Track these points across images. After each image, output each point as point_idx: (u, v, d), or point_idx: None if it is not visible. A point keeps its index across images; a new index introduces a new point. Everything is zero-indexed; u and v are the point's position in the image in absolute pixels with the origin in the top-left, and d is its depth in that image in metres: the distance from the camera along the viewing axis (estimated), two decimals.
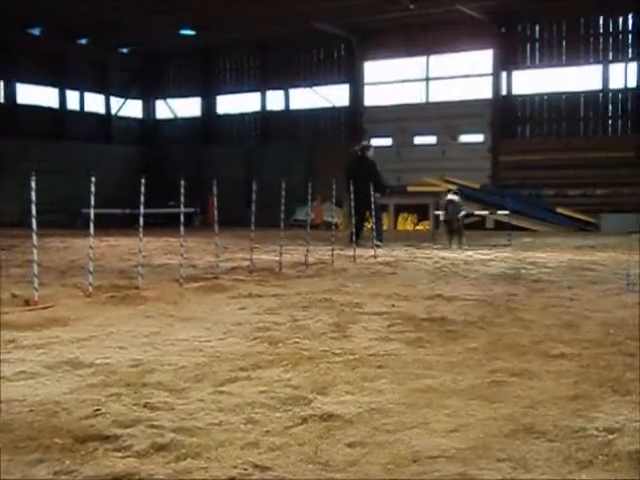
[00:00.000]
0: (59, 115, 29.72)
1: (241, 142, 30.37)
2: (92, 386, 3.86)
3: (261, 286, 8.30)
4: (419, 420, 3.28)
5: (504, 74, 25.46)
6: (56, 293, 7.42)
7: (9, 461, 2.78)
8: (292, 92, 29.63)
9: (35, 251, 6.86)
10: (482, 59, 25.73)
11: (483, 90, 25.77)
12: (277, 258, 10.34)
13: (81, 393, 3.71)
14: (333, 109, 28.72)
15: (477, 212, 21.42)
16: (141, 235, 8.12)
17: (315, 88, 28.90)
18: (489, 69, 25.68)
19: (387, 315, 6.16)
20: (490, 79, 25.66)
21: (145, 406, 3.48)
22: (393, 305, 6.77)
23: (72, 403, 3.51)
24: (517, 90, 25.56)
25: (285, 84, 29.54)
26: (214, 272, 9.23)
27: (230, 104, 31.26)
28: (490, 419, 3.28)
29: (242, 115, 30.83)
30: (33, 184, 6.85)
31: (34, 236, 6.85)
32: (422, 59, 26.71)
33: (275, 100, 30.03)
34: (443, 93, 26.49)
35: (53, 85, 29.37)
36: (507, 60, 25.29)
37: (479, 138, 25.97)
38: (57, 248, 14.26)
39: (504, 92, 25.53)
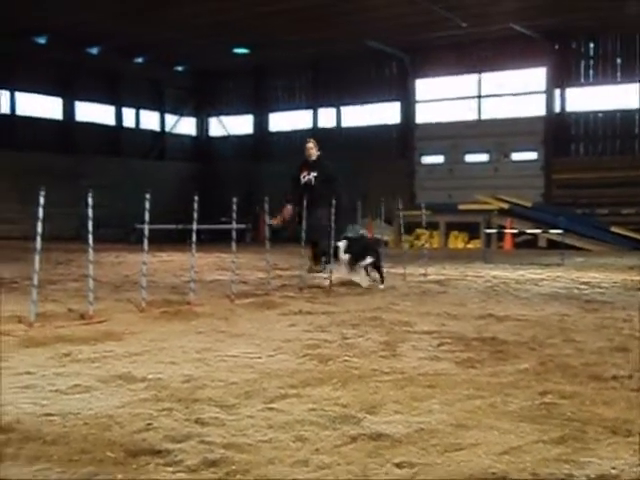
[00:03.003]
0: (115, 132, 30.29)
1: (293, 159, 30.46)
2: (144, 400, 3.92)
3: (311, 303, 8.33)
4: (468, 441, 3.26)
5: (557, 91, 25.20)
6: (110, 307, 7.56)
7: (62, 473, 2.83)
8: (344, 109, 29.75)
9: (91, 266, 6.99)
10: (535, 76, 25.53)
11: (536, 107, 25.54)
12: (327, 275, 10.37)
13: (133, 407, 3.77)
14: (384, 126, 28.72)
15: (529, 230, 21.19)
16: (193, 251, 8.22)
17: (367, 105, 28.97)
18: (542, 86, 25.44)
19: (437, 334, 6.13)
20: (543, 96, 25.42)
21: (196, 422, 3.52)
22: (443, 324, 6.74)
23: (125, 417, 3.58)
24: (571, 107, 25.27)
25: (337, 101, 29.66)
26: (265, 288, 9.30)
27: (282, 121, 31.49)
28: (540, 442, 3.25)
29: (294, 132, 30.99)
30: (90, 200, 6.98)
31: (90, 251, 6.98)
32: (474, 76, 26.61)
33: (327, 117, 30.17)
34: (495, 110, 26.35)
35: (110, 103, 29.95)
36: (561, 77, 25.04)
37: (532, 156, 25.73)
38: (112, 263, 14.49)
39: (557, 109, 25.28)
